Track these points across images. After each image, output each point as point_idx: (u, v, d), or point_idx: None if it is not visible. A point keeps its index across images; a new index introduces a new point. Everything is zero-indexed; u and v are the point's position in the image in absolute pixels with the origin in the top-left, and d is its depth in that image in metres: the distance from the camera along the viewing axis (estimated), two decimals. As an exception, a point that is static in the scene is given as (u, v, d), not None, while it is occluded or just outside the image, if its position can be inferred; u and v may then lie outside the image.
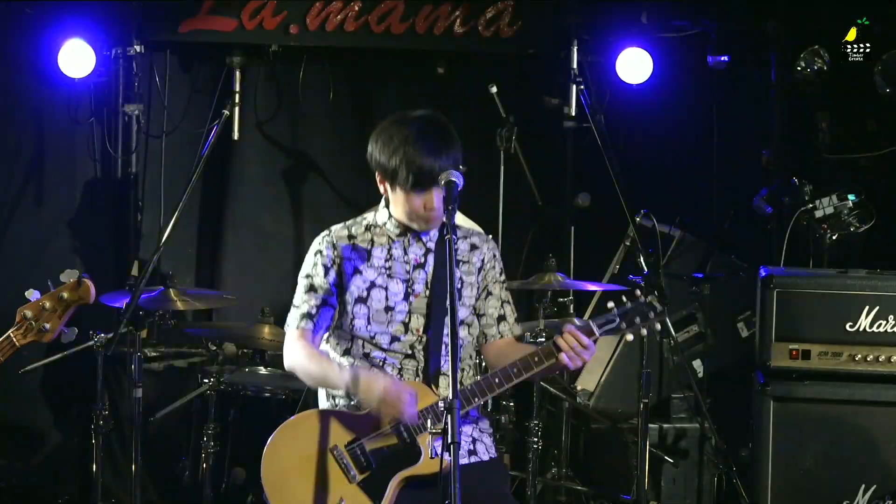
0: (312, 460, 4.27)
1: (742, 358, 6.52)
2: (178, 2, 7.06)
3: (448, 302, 3.94)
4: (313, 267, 4.43)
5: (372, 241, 4.43)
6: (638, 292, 4.25)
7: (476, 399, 4.27)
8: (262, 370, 6.28)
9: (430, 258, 4.44)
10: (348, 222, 4.50)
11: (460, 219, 5.48)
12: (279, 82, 7.40)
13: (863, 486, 5.71)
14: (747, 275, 6.59)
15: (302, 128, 7.46)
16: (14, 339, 4.20)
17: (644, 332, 4.29)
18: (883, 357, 5.73)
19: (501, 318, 4.54)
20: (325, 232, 4.48)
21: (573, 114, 7.05)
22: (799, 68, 6.83)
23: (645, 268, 5.65)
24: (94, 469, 5.66)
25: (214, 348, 6.48)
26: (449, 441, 3.70)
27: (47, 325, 4.19)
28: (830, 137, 6.89)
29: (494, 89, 6.82)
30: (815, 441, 5.74)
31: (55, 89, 7.00)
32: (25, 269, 6.95)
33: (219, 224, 7.50)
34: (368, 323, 4.38)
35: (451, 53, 7.22)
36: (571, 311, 6.92)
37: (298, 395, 5.90)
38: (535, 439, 6.32)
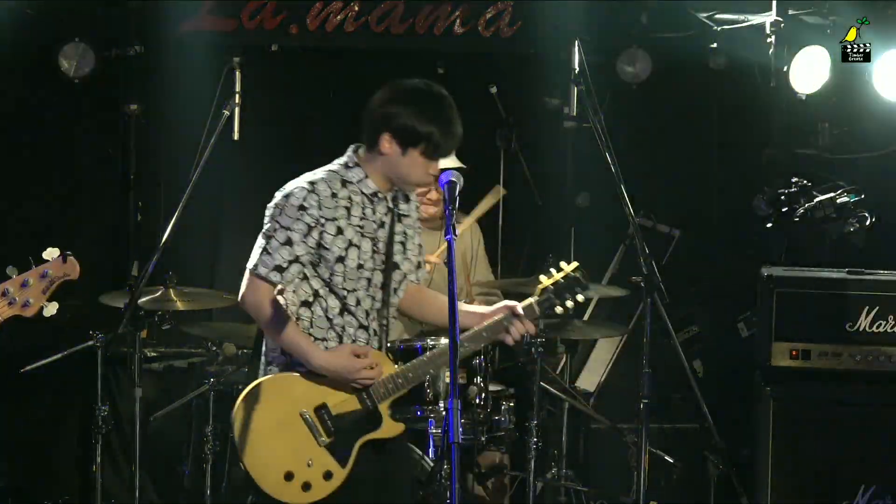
0: (283, 422, 4.45)
1: (742, 358, 6.52)
2: (178, 2, 7.06)
3: (449, 305, 3.93)
4: (295, 221, 4.43)
5: (350, 198, 4.49)
6: (569, 266, 4.58)
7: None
8: (262, 370, 6.26)
9: (390, 218, 4.58)
10: (326, 176, 4.48)
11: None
12: (279, 82, 7.39)
13: (863, 486, 5.71)
14: (747, 275, 6.59)
15: (302, 128, 7.45)
16: None
17: (570, 304, 4.57)
18: (883, 357, 5.73)
19: (420, 265, 4.71)
20: (309, 185, 4.44)
21: (573, 114, 7.04)
22: (798, 68, 6.82)
23: (644, 268, 5.63)
24: (94, 469, 5.65)
25: (214, 348, 6.47)
26: (450, 441, 3.75)
27: (30, 300, 4.21)
28: (830, 137, 6.89)
29: (494, 89, 6.81)
30: (815, 441, 5.75)
31: (55, 89, 6.99)
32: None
33: (218, 224, 7.50)
34: (344, 280, 4.48)
35: (451, 53, 7.22)
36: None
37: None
38: (535, 439, 6.31)
